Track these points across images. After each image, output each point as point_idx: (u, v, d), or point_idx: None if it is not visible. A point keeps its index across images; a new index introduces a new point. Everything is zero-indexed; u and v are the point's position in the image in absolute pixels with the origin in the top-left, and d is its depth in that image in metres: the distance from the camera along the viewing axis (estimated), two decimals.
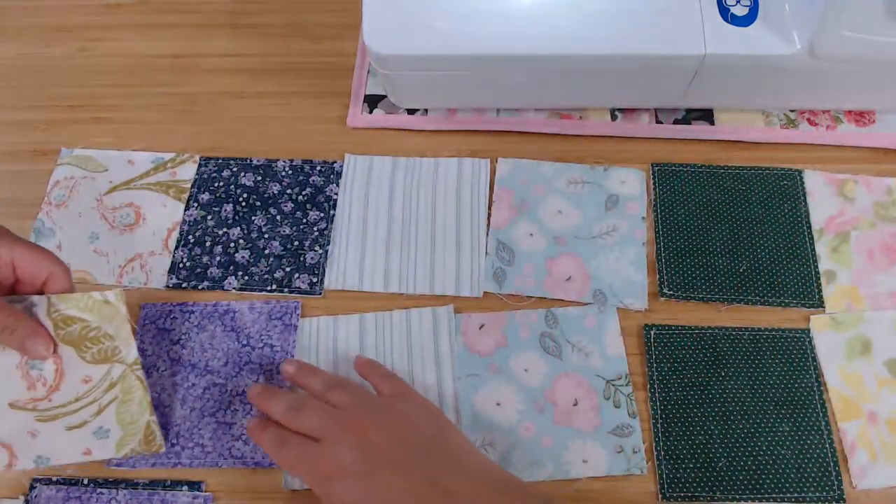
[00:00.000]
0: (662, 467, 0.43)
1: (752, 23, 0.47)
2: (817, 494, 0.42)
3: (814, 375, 0.45)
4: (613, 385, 0.45)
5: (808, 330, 0.47)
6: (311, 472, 0.38)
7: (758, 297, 0.48)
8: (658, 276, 0.49)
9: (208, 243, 0.51)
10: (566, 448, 0.44)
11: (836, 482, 0.42)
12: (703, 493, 0.42)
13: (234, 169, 0.54)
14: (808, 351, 0.46)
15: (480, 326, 0.47)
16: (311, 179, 0.53)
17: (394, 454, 0.37)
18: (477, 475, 0.37)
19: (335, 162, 0.54)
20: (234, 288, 0.49)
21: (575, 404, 0.45)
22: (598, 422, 0.44)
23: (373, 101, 0.56)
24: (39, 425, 0.42)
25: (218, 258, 0.50)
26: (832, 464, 0.43)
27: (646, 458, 0.43)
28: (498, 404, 0.45)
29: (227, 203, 0.52)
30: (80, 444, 0.42)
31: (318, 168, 0.54)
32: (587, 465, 0.43)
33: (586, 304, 0.48)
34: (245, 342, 0.48)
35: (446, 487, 0.36)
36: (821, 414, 0.44)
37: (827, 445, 0.43)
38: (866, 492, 0.43)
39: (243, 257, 0.50)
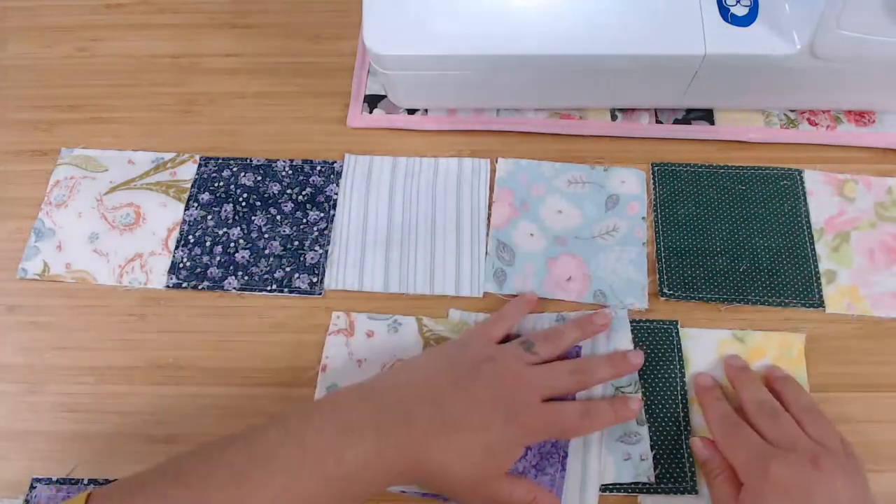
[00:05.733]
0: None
1: (752, 23, 0.47)
2: None
3: None
4: (622, 391, 0.44)
5: None
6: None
7: (758, 297, 0.48)
8: (658, 276, 0.49)
9: (208, 243, 0.51)
10: None
11: None
12: None
13: (234, 169, 0.54)
14: None
15: None
16: (311, 179, 0.53)
17: None
18: None
19: (335, 162, 0.54)
20: (234, 288, 0.49)
21: None
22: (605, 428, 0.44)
23: (373, 101, 0.56)
24: None
25: (218, 258, 0.50)
26: None
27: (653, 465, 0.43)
28: None
29: (227, 203, 0.52)
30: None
31: (318, 168, 0.54)
32: None
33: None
34: None
35: None
36: None
37: None
38: None
39: (243, 257, 0.50)
